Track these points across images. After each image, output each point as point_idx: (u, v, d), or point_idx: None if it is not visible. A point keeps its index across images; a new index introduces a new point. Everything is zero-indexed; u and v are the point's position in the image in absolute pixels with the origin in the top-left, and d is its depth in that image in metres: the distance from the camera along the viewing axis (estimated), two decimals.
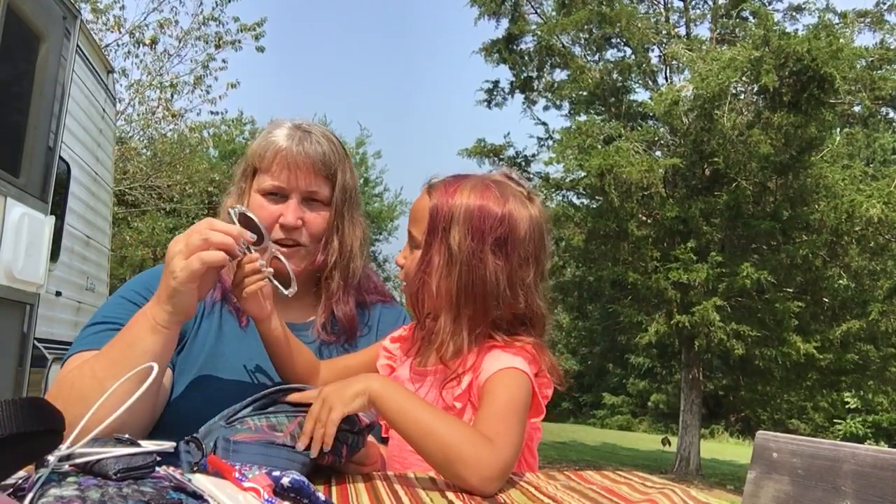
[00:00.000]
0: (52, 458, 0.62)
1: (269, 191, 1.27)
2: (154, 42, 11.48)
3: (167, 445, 0.70)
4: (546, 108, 12.61)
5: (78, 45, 4.06)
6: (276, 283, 1.13)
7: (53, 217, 3.68)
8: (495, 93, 12.70)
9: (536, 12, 12.09)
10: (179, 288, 1.01)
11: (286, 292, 1.14)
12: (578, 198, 11.67)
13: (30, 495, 0.58)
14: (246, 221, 1.11)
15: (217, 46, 11.94)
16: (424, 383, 1.11)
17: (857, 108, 10.26)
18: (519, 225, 1.06)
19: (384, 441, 1.20)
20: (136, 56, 11.62)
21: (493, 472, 0.90)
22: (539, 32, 11.62)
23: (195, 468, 0.83)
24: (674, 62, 11.29)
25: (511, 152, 12.40)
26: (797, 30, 10.34)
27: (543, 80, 12.34)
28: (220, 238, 1.01)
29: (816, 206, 9.84)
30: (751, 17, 11.26)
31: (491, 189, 1.07)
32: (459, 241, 1.04)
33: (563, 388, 1.10)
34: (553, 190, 11.56)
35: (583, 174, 10.17)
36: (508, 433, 0.94)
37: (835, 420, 22.34)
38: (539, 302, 1.09)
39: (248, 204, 1.28)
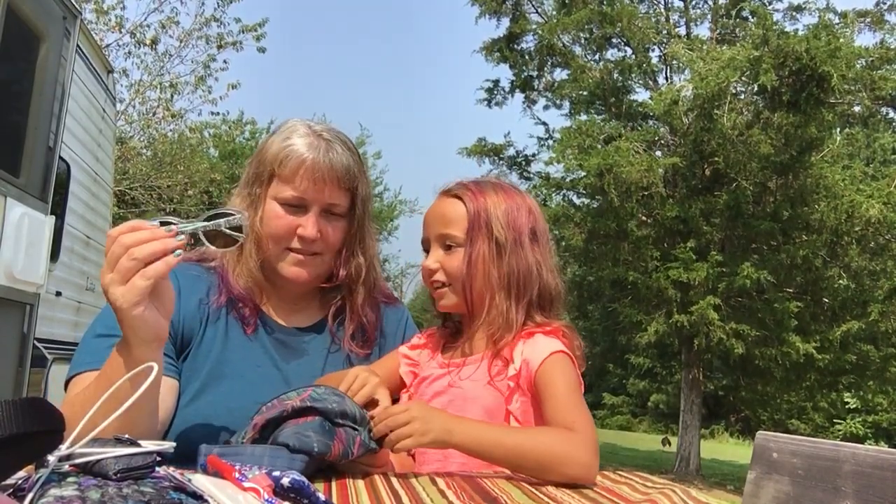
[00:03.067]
0: (52, 458, 0.62)
1: (288, 201, 1.23)
2: (155, 42, 11.47)
3: (167, 445, 0.70)
4: (546, 107, 12.62)
5: (78, 45, 4.06)
6: (199, 224, 0.99)
7: (53, 217, 3.68)
8: (495, 92, 12.70)
9: (537, 11, 12.10)
10: (129, 314, 0.94)
11: (237, 219, 1.01)
12: (578, 197, 11.67)
13: (30, 495, 0.58)
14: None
15: (219, 47, 11.94)
16: (460, 372, 1.18)
17: (856, 108, 10.26)
18: (539, 216, 1.23)
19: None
20: (137, 56, 11.62)
21: (588, 457, 0.98)
22: (540, 31, 11.61)
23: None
24: (674, 62, 11.30)
25: (511, 152, 12.41)
26: (797, 30, 10.34)
27: (544, 79, 12.35)
28: (147, 251, 0.93)
29: (816, 207, 9.84)
30: (751, 17, 11.26)
31: (509, 188, 1.24)
32: (504, 234, 1.17)
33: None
34: (553, 190, 11.56)
35: (583, 174, 10.17)
36: (582, 415, 1.03)
37: (835, 420, 22.35)
38: (560, 278, 1.24)
39: (263, 211, 1.24)
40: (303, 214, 1.23)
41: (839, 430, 22.01)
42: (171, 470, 0.68)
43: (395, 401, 1.22)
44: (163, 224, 0.97)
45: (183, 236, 0.97)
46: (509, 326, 1.16)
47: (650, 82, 11.73)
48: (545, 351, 1.11)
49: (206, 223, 1.00)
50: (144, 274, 0.93)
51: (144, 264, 0.93)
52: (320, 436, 0.93)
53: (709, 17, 11.90)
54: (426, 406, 1.05)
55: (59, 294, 4.48)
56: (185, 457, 0.84)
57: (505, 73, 17.28)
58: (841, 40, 9.24)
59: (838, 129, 11.09)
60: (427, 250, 1.23)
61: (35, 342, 3.64)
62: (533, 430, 1.07)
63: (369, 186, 1.33)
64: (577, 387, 1.09)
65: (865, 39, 22.23)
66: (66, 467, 0.63)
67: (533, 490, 0.93)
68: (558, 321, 1.19)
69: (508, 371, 1.13)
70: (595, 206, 10.98)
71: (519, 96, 12.53)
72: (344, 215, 1.28)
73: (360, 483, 0.94)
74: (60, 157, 4.01)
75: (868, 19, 10.77)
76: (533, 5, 12.04)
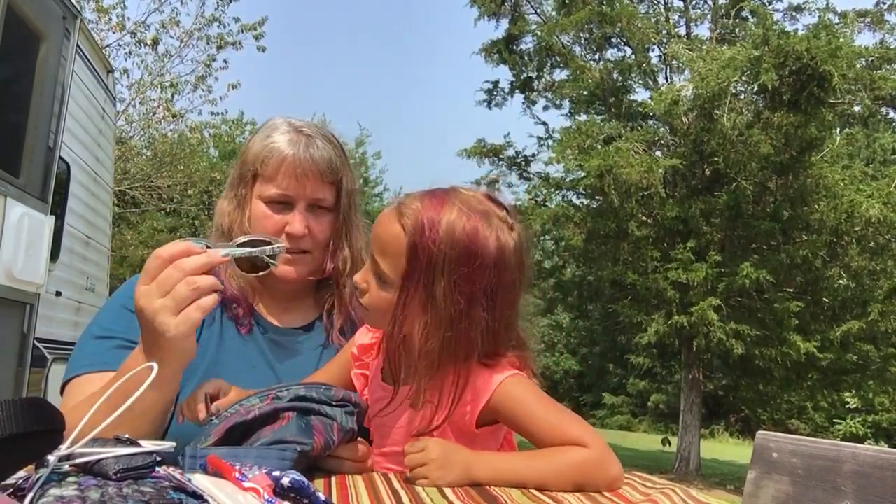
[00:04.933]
0: (52, 458, 0.62)
1: (273, 199, 1.23)
2: (156, 43, 11.48)
3: (167, 445, 0.70)
4: (546, 107, 12.65)
5: (78, 45, 4.06)
6: (249, 251, 1.03)
7: (53, 217, 3.68)
8: (495, 93, 12.73)
9: (536, 12, 12.11)
10: (179, 345, 0.94)
11: (276, 248, 1.06)
12: (578, 198, 11.68)
13: (30, 495, 0.58)
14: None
15: (219, 47, 11.95)
16: (393, 402, 1.05)
17: (856, 108, 10.27)
18: (506, 267, 0.95)
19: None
20: (138, 56, 11.63)
21: (615, 468, 0.93)
22: (539, 32, 11.63)
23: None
24: (674, 62, 11.30)
25: (511, 152, 12.42)
26: (797, 29, 10.36)
27: (543, 80, 12.37)
28: (209, 282, 0.93)
29: (816, 207, 9.85)
30: (751, 17, 11.27)
31: (477, 225, 0.94)
32: (445, 295, 0.92)
33: None
34: (553, 190, 11.56)
35: (583, 174, 10.18)
36: (580, 426, 0.95)
37: (835, 420, 22.34)
38: (520, 334, 1.02)
39: (250, 212, 1.25)
40: (289, 212, 1.24)
41: (839, 430, 21.99)
42: (170, 470, 0.68)
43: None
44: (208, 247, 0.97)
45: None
46: (430, 400, 0.97)
47: (650, 82, 11.73)
48: (493, 383, 0.96)
49: (252, 249, 1.02)
50: (200, 306, 0.92)
51: (201, 295, 0.92)
52: (297, 436, 0.92)
53: (709, 17, 11.91)
54: (443, 443, 0.94)
55: (59, 294, 4.48)
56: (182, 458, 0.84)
57: (504, 75, 17.33)
58: (841, 40, 9.25)
59: (838, 129, 11.11)
60: None
61: (35, 342, 3.64)
62: (552, 458, 0.93)
63: (355, 180, 1.33)
64: (548, 398, 0.97)
65: (865, 39, 22.27)
66: (66, 467, 0.63)
67: (533, 490, 0.93)
68: (507, 356, 1.00)
69: (436, 414, 0.98)
70: (595, 206, 10.98)
71: (518, 97, 12.55)
72: (331, 209, 1.28)
73: (360, 483, 0.94)
74: (60, 157, 4.01)
75: (868, 19, 10.78)
76: (532, 6, 12.05)
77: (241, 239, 1.06)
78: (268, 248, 1.05)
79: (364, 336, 1.16)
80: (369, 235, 1.35)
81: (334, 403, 0.98)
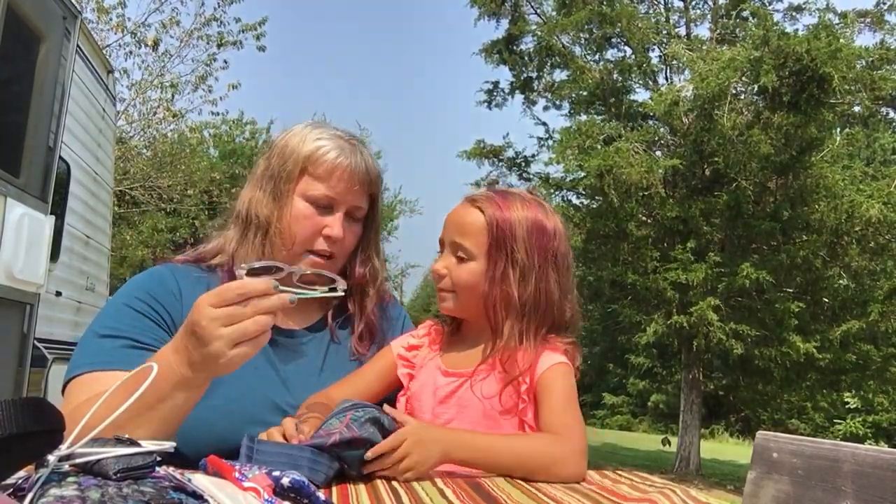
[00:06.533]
0: (52, 458, 0.62)
1: (318, 201, 1.25)
2: (156, 43, 11.46)
3: (167, 445, 0.70)
4: (546, 108, 12.61)
5: (78, 45, 4.06)
6: (314, 293, 1.05)
7: (53, 217, 3.68)
8: (495, 93, 12.70)
9: (536, 12, 12.09)
10: (224, 371, 0.94)
11: (339, 290, 1.09)
12: (578, 198, 11.67)
13: (30, 495, 0.58)
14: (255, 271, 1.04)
15: (219, 46, 11.94)
16: (467, 382, 1.16)
17: (856, 109, 10.25)
18: (563, 241, 1.20)
19: None
20: (138, 56, 11.62)
21: (573, 460, 1.03)
22: (539, 33, 11.61)
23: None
24: (674, 62, 11.29)
25: (510, 153, 12.41)
26: (797, 30, 10.34)
27: (543, 80, 12.34)
28: (270, 323, 0.93)
29: (816, 207, 9.84)
30: (751, 18, 11.26)
31: (536, 206, 1.19)
32: (527, 256, 1.15)
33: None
34: (553, 190, 11.55)
35: (583, 174, 10.17)
36: (572, 421, 1.08)
37: (835, 420, 22.35)
38: (576, 306, 1.22)
39: (291, 210, 1.24)
40: (328, 215, 1.26)
41: (839, 430, 22.00)
42: (170, 470, 0.68)
43: (391, 402, 1.21)
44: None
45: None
46: (521, 349, 1.14)
47: (650, 82, 11.72)
48: (549, 362, 1.13)
49: (317, 292, 1.07)
50: (258, 343, 0.93)
51: (261, 333, 0.93)
52: (352, 461, 0.96)
53: (709, 17, 11.90)
54: (417, 430, 1.00)
55: (59, 294, 4.48)
56: (184, 459, 0.83)
57: (504, 75, 17.31)
58: (841, 41, 9.24)
59: (838, 129, 11.09)
60: (442, 248, 1.23)
61: (35, 342, 3.64)
62: (524, 435, 1.10)
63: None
64: (573, 396, 1.12)
65: (865, 39, 22.26)
66: (66, 467, 0.63)
67: (532, 490, 0.93)
68: (566, 340, 1.18)
69: (520, 386, 1.13)
70: (595, 206, 10.98)
71: (518, 97, 12.53)
72: (361, 219, 1.32)
73: (360, 483, 0.94)
74: (60, 157, 4.01)
75: (868, 19, 10.77)
76: (532, 6, 12.04)
77: (257, 264, 1.06)
78: (334, 290, 1.09)
79: (407, 339, 1.28)
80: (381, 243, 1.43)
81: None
